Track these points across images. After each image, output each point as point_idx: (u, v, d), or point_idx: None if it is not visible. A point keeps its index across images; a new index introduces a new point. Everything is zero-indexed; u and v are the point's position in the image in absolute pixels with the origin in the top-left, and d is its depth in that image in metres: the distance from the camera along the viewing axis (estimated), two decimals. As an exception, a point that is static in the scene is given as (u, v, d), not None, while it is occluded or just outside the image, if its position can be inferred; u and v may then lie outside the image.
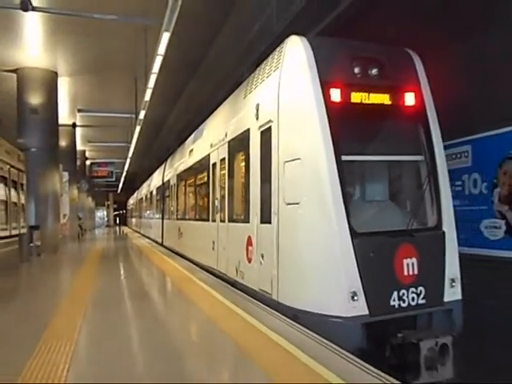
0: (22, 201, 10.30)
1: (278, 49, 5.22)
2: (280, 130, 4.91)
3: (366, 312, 4.05)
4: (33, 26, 9.69)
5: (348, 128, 4.49)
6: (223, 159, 7.18)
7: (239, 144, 6.33)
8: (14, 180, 9.37)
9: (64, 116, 15.36)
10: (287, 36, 5.02)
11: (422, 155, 4.91)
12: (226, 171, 7.06)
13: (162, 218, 14.97)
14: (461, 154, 6.50)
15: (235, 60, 9.14)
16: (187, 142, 11.19)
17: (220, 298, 5.56)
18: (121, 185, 39.42)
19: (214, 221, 7.72)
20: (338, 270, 4.14)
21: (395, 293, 4.19)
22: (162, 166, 15.94)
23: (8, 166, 8.85)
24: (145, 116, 12.27)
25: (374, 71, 4.79)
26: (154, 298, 6.62)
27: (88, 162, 27.02)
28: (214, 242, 7.58)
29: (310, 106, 4.47)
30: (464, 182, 6.46)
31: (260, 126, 5.41)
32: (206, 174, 8.45)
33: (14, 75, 12.12)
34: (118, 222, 55.83)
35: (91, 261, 11.12)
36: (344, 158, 4.40)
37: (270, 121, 5.11)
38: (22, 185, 10.22)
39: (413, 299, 4.26)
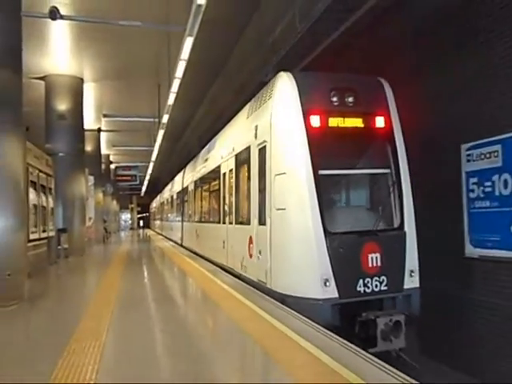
0: (50, 204, 10.52)
1: (271, 81, 6.23)
2: (272, 148, 5.89)
3: (336, 295, 5.07)
4: (60, 34, 9.96)
5: (325, 147, 5.46)
6: (231, 170, 8.22)
7: (243, 158, 7.33)
8: (42, 184, 9.57)
9: (90, 121, 15.72)
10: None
11: (388, 169, 5.83)
12: (233, 180, 8.12)
13: (182, 221, 16.13)
14: (490, 154, 6.31)
15: (258, 62, 9.15)
16: (203, 152, 12.36)
17: (242, 299, 5.56)
18: (144, 188, 40.01)
19: (224, 223, 8.70)
20: (314, 262, 5.16)
21: (361, 280, 5.17)
22: (181, 173, 17.26)
23: (37, 171, 9.05)
24: (168, 120, 12.42)
25: (350, 99, 5.72)
26: (177, 299, 6.68)
27: (112, 166, 27.55)
28: (224, 242, 8.57)
29: (293, 130, 5.52)
30: (494, 182, 6.26)
31: (258, 144, 6.40)
32: (217, 182, 9.51)
33: (42, 82, 12.48)
34: (141, 224, 56.60)
35: (116, 263, 11.31)
36: (321, 172, 5.39)
37: (265, 141, 6.08)
38: (50, 189, 10.43)
39: (376, 286, 5.21)
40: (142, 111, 16.15)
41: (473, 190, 6.55)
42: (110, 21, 8.07)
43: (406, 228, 5.59)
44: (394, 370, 2.93)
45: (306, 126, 5.45)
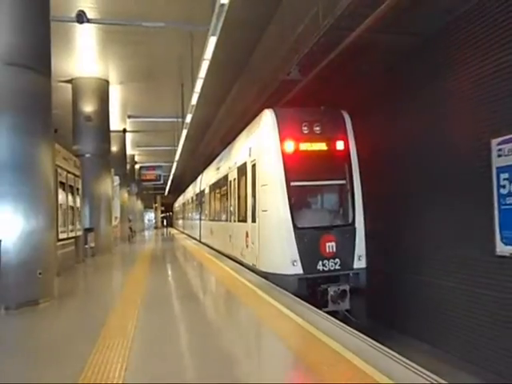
0: (78, 205, 10.77)
1: (259, 114, 8.13)
2: (258, 165, 7.90)
3: (301, 272, 6.91)
4: (86, 38, 10.17)
5: (296, 165, 7.31)
6: (234, 179, 10.16)
7: (242, 170, 9.22)
8: (70, 185, 9.81)
9: (115, 122, 16.01)
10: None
11: (344, 180, 7.63)
12: (236, 187, 10.00)
13: (200, 220, 18.52)
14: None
15: (280, 60, 9.09)
16: (215, 161, 14.47)
17: (267, 298, 5.56)
18: (168, 187, 40.51)
19: (229, 221, 10.86)
20: (285, 249, 7.03)
21: (320, 262, 7.01)
22: (199, 177, 19.59)
23: (65, 172, 9.28)
24: (191, 120, 12.52)
25: (317, 128, 7.51)
26: (203, 298, 6.73)
27: (137, 166, 28.00)
28: (230, 236, 10.71)
29: (273, 153, 7.40)
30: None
31: (251, 161, 8.37)
32: (225, 187, 11.51)
33: (69, 85, 12.79)
34: (165, 223, 57.34)
35: (141, 261, 11.48)
36: (292, 183, 7.25)
37: (255, 159, 8.11)
38: (77, 189, 10.69)
39: (332, 266, 7.05)
40: (166, 111, 16.33)
41: (504, 186, 6.35)
42: (135, 22, 8.19)
43: (356, 224, 7.37)
44: (422, 370, 2.94)
45: (282, 150, 7.35)
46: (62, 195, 8.96)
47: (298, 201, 7.48)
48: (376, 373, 2.90)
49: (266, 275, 7.21)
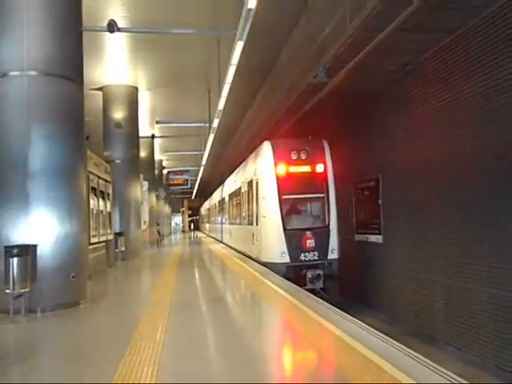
0: (108, 209, 11.01)
1: (260, 145, 10.65)
2: (260, 182, 10.45)
3: (289, 261, 9.31)
4: (116, 46, 10.43)
5: (286, 183, 9.76)
6: (245, 191, 12.68)
7: (250, 185, 11.81)
8: (101, 190, 10.05)
9: (144, 128, 16.33)
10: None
11: (323, 193, 9.97)
12: (246, 198, 12.54)
13: (221, 223, 21.41)
14: None
15: (306, 63, 9.05)
16: (233, 175, 17.01)
17: (294, 301, 5.52)
18: (194, 191, 40.93)
19: (242, 224, 13.55)
20: (277, 245, 9.50)
21: (302, 254, 9.39)
22: (221, 187, 22.32)
23: (97, 178, 9.51)
24: (218, 124, 12.62)
25: (303, 155, 9.92)
26: (231, 301, 6.74)
27: (165, 171, 28.44)
28: (242, 236, 13.42)
29: (269, 174, 9.93)
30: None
31: (255, 179, 10.91)
32: (239, 197, 14.13)
33: (100, 93, 13.13)
34: (192, 227, 57.92)
35: (171, 264, 11.62)
36: (283, 196, 9.77)
37: (258, 178, 10.67)
38: (108, 194, 10.93)
39: (312, 257, 9.42)
40: (193, 116, 16.55)
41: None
42: (164, 30, 8.34)
43: (330, 227, 9.78)
44: (444, 370, 3.00)
45: (275, 172, 9.85)
46: (93, 200, 9.18)
47: (287, 209, 9.96)
48: (398, 372, 2.93)
49: (265, 264, 9.78)
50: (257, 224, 10.68)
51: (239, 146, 20.49)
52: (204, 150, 18.20)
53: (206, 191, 39.75)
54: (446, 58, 7.76)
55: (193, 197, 47.84)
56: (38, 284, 5.24)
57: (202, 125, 16.45)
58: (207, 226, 34.78)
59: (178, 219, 54.09)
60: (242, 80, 10.44)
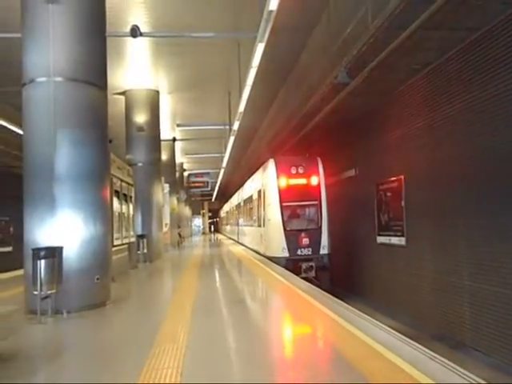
0: (131, 212, 11.16)
1: (266, 162, 13.15)
2: (266, 192, 12.88)
3: (288, 255, 11.66)
4: (138, 50, 10.57)
5: (286, 193, 12.15)
6: (256, 198, 15.29)
7: (259, 193, 14.33)
8: (124, 193, 10.20)
9: (165, 131, 16.51)
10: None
11: (317, 201, 12.29)
12: (256, 204, 15.15)
13: (238, 225, 24.29)
14: None
15: (327, 64, 8.98)
16: (247, 183, 19.46)
17: (317, 304, 5.46)
18: (215, 194, 41.15)
19: (253, 226, 16.29)
20: (279, 242, 11.88)
21: (299, 249, 11.73)
22: (237, 193, 24.93)
23: (119, 181, 9.65)
24: (238, 127, 12.65)
25: (300, 170, 12.34)
26: (253, 303, 6.72)
27: (186, 173, 28.69)
28: (253, 236, 16.18)
29: (272, 185, 12.38)
30: None
31: (263, 189, 13.44)
32: (251, 203, 16.87)
33: (123, 97, 13.35)
34: (212, 229, 58.25)
35: (192, 266, 11.69)
36: (284, 203, 12.15)
37: (264, 188, 13.14)
38: (130, 197, 11.08)
39: (306, 252, 11.75)
40: (213, 119, 16.63)
41: None
42: (185, 34, 8.41)
43: (322, 228, 12.07)
44: (463, 371, 3.02)
45: (278, 184, 12.34)
46: (116, 203, 9.32)
47: (287, 214, 12.32)
48: (417, 372, 2.95)
49: (269, 258, 12.20)
50: (264, 226, 13.42)
51: (259, 148, 20.52)
52: (224, 152, 18.26)
53: (225, 193, 39.92)
54: (468, 57, 7.59)
55: (213, 199, 48.11)
56: (63, 286, 5.34)
57: (223, 127, 16.53)
58: (226, 227, 38.68)
59: (198, 221, 54.49)
60: (262, 81, 10.43)
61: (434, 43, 7.56)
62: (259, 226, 14.34)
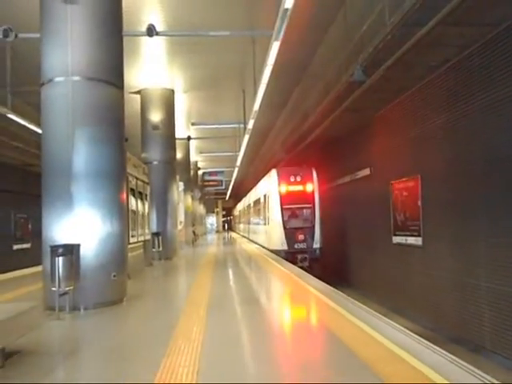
0: (146, 210, 11.24)
1: (270, 171, 15.98)
2: (270, 196, 15.60)
3: (287, 248, 14.33)
4: (154, 49, 10.64)
5: (286, 197, 14.85)
6: (262, 201, 17.93)
7: (264, 197, 16.76)
8: (140, 191, 10.28)
9: (179, 130, 16.60)
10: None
11: (311, 204, 14.79)
12: (262, 206, 17.65)
13: (248, 223, 26.88)
14: None
15: (343, 61, 8.91)
16: (256, 187, 22.04)
17: (333, 305, 5.41)
18: (229, 192, 41.24)
19: (260, 225, 19.04)
20: (279, 237, 14.60)
21: (296, 244, 14.40)
22: (248, 195, 27.56)
23: (135, 179, 9.73)
24: (253, 125, 12.63)
25: (298, 178, 15.02)
26: (267, 302, 6.71)
27: (200, 172, 28.81)
28: (260, 233, 19.07)
29: (274, 191, 15.18)
30: None
31: (268, 194, 15.97)
32: (259, 205, 19.33)
33: (138, 96, 13.45)
34: (226, 227, 58.45)
35: (206, 264, 11.73)
36: (284, 206, 14.82)
37: (269, 193, 15.76)
38: (146, 195, 11.16)
39: (302, 246, 14.41)
40: (228, 117, 16.66)
41: None
42: (201, 33, 8.42)
43: (315, 226, 14.48)
44: (477, 371, 3.02)
45: (279, 190, 14.88)
46: (132, 201, 9.40)
47: (286, 214, 14.80)
48: (432, 372, 2.97)
49: (272, 251, 14.69)
50: (268, 224, 16.19)
51: (274, 146, 20.47)
52: (239, 151, 18.28)
53: (239, 192, 40.00)
54: (489, 54, 7.43)
55: (227, 197, 48.24)
56: (81, 282, 5.41)
57: (237, 126, 16.53)
58: (238, 226, 42.73)
59: (212, 219, 54.72)
60: (277, 79, 10.39)
61: (452, 39, 7.42)
62: (264, 224, 17.31)
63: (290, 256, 13.73)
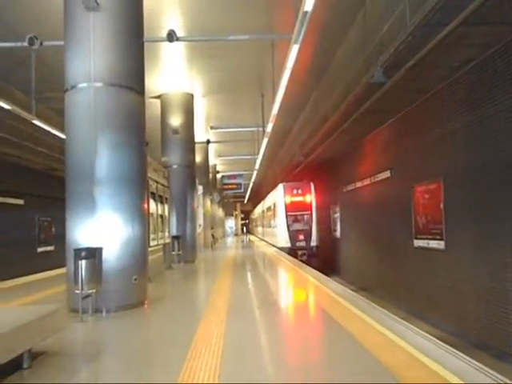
0: (166, 213, 11.35)
1: (277, 185, 21.40)
2: (277, 205, 20.72)
3: (290, 246, 19.05)
4: (174, 54, 10.77)
5: (290, 206, 19.80)
6: (272, 209, 22.98)
7: (274, 205, 21.91)
8: (160, 195, 10.40)
9: (199, 133, 16.74)
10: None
11: (309, 211, 19.62)
12: (273, 212, 22.67)
13: (263, 227, 31.66)
14: None
15: (362, 63, 8.82)
16: (268, 196, 26.87)
17: (353, 309, 5.36)
18: (247, 195, 41.29)
19: (271, 227, 23.75)
20: (285, 237, 19.43)
21: (297, 242, 19.16)
22: (262, 202, 32.19)
23: (155, 183, 9.85)
24: (272, 128, 12.63)
25: (299, 191, 19.97)
26: (286, 306, 6.67)
27: (219, 175, 28.94)
28: (271, 234, 23.90)
29: (281, 201, 20.14)
30: None
31: (277, 203, 21.02)
32: (271, 212, 23.95)
33: (158, 101, 13.62)
34: (244, 230, 58.49)
35: (226, 268, 11.76)
36: (288, 213, 19.76)
37: (277, 203, 20.96)
38: (166, 199, 11.27)
39: (302, 244, 19.08)
40: (247, 121, 16.70)
41: None
42: (220, 37, 8.48)
43: (312, 229, 19.18)
44: (491, 372, 3.05)
45: (284, 200, 19.81)
46: (152, 204, 9.51)
47: (290, 220, 19.25)
48: (447, 372, 3.00)
49: (279, 248, 18.54)
50: (276, 227, 20.99)
51: (292, 149, 20.42)
52: (257, 154, 18.30)
53: (258, 195, 40.04)
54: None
55: (245, 200, 48.29)
56: (103, 285, 5.49)
57: (256, 129, 16.56)
58: (255, 229, 47.73)
59: (231, 223, 54.84)
60: (296, 82, 10.36)
61: (475, 39, 7.26)
62: (274, 227, 22.30)
63: (292, 252, 17.82)
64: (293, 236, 19.00)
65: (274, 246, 21.22)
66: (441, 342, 3.87)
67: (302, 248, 18.65)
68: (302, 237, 18.98)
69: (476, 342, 8.30)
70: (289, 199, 19.66)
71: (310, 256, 18.18)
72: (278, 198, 20.28)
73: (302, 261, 14.47)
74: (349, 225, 18.55)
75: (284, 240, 19.14)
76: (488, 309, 8.20)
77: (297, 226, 19.29)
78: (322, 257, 18.85)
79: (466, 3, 5.41)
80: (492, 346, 7.92)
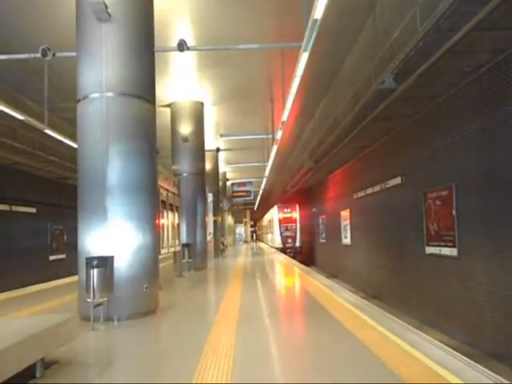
0: (176, 221, 11.38)
1: (274, 206, 35.65)
2: (274, 219, 34.93)
3: (282, 246, 31.75)
4: (184, 63, 10.85)
5: (282, 220, 33.74)
6: (271, 221, 37.04)
7: (273, 219, 35.67)
8: (170, 203, 10.44)
9: (208, 141, 16.80)
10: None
11: (295, 223, 33.26)
12: (273, 223, 35.75)
13: (267, 234, 42.10)
14: None
15: (372, 70, 8.79)
16: (270, 211, 39.61)
17: (367, 319, 5.29)
18: (257, 203, 41.29)
19: (271, 234, 38.17)
20: (278, 240, 33.17)
21: (286, 243, 32.47)
22: (267, 214, 43.21)
23: (166, 191, 9.89)
24: (281, 135, 12.63)
25: (288, 209, 33.81)
26: (299, 314, 6.60)
27: (229, 183, 29.00)
28: (271, 239, 38.26)
29: (276, 217, 34.08)
30: None
31: (273, 217, 35.57)
32: (271, 223, 37.47)
33: (168, 109, 13.73)
34: (254, 237, 58.36)
35: (236, 275, 11.71)
36: (281, 224, 33.66)
37: (274, 218, 35.16)
38: (176, 207, 11.31)
39: (290, 245, 32.41)
40: (256, 128, 16.73)
41: None
42: (230, 46, 8.52)
43: (296, 234, 32.87)
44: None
45: (278, 216, 33.69)
46: (163, 213, 9.55)
47: (282, 228, 32.98)
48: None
49: (275, 248, 30.40)
50: (273, 234, 33.79)
51: (301, 156, 20.38)
52: (267, 161, 18.30)
53: (268, 202, 40.16)
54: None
55: (255, 208, 48.26)
56: (114, 294, 5.50)
57: (265, 137, 16.58)
58: (262, 236, 55.79)
59: (240, 230, 54.74)
60: (305, 89, 10.37)
61: (486, 45, 7.21)
62: (272, 234, 34.47)
63: (283, 250, 28.52)
64: (284, 239, 32.27)
65: (272, 246, 33.62)
66: (456, 352, 3.79)
67: (289, 248, 31.15)
68: (290, 240, 32.15)
69: (492, 352, 8.13)
70: (282, 215, 33.14)
71: (295, 253, 29.95)
72: (274, 213, 33.96)
73: (290, 256, 23.01)
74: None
75: (278, 242, 32.36)
76: (503, 317, 8.04)
77: (286, 233, 32.46)
78: (304, 253, 30.62)
79: (477, 9, 5.37)
80: (508, 357, 7.75)
